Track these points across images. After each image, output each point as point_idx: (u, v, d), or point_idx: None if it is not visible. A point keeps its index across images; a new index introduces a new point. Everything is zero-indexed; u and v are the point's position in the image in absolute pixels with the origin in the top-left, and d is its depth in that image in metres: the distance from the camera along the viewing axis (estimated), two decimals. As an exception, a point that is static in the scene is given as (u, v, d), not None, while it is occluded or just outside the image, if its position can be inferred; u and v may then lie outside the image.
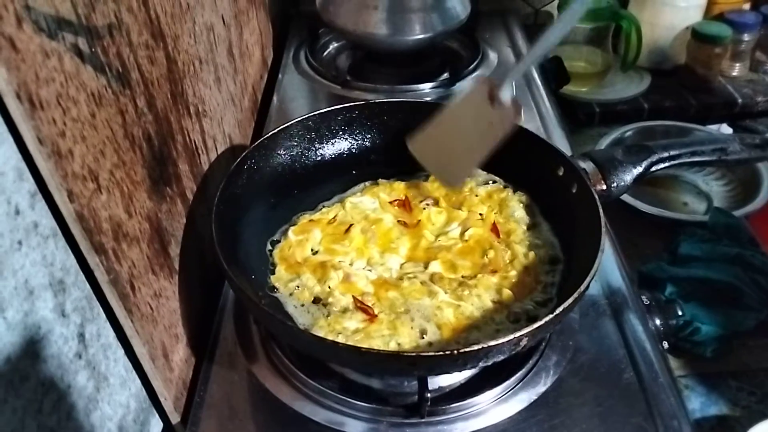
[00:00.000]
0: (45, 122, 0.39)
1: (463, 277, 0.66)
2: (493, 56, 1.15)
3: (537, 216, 0.73)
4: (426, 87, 1.07)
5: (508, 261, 0.68)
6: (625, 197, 1.04)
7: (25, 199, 0.40)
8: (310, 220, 0.72)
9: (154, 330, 0.55)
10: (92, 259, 0.45)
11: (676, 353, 0.88)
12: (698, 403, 0.83)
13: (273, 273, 0.67)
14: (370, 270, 0.67)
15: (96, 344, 0.48)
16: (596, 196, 0.64)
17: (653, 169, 0.70)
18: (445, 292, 0.64)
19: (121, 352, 0.53)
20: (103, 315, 0.50)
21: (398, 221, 0.72)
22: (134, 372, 0.55)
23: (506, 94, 0.69)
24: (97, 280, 0.47)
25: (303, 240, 0.69)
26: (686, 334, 0.85)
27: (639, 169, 0.69)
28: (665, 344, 0.74)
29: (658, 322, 0.74)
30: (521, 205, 0.73)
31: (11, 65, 0.35)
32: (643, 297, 0.75)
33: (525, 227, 0.71)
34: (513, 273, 0.66)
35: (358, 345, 0.56)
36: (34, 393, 0.41)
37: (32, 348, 0.40)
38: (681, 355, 0.88)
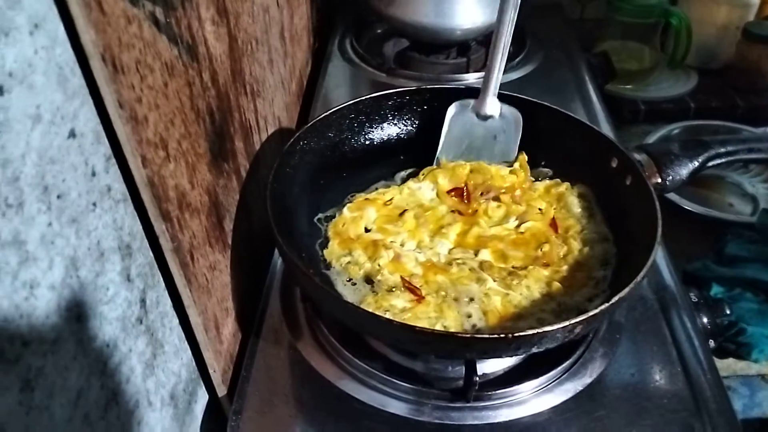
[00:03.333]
0: (125, 86, 0.39)
1: (513, 267, 0.66)
2: (538, 49, 1.14)
3: (593, 207, 0.72)
4: (470, 77, 1.07)
5: (562, 256, 0.67)
6: (670, 195, 1.02)
7: (101, 162, 0.40)
8: (366, 199, 0.72)
9: (208, 302, 0.56)
10: (159, 226, 0.46)
11: (720, 354, 0.86)
12: (741, 405, 0.82)
13: (326, 248, 0.68)
14: (420, 252, 0.67)
15: (155, 311, 0.49)
16: (652, 188, 0.63)
17: (710, 164, 0.69)
18: (494, 280, 0.64)
19: (176, 321, 0.54)
20: (163, 283, 0.51)
21: (452, 211, 0.72)
22: (186, 342, 0.56)
23: (492, 108, 0.77)
24: (159, 248, 0.48)
25: (357, 217, 0.69)
26: (731, 334, 0.83)
27: (695, 164, 0.68)
28: (711, 343, 0.73)
29: (705, 320, 0.73)
30: (578, 200, 0.72)
31: (99, 27, 0.36)
32: (692, 294, 0.74)
33: (583, 222, 0.70)
34: (565, 267, 0.66)
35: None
36: (100, 354, 0.42)
37: (101, 309, 0.41)
38: (725, 356, 0.86)
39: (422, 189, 0.74)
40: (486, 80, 0.76)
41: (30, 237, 0.33)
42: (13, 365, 0.33)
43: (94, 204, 0.40)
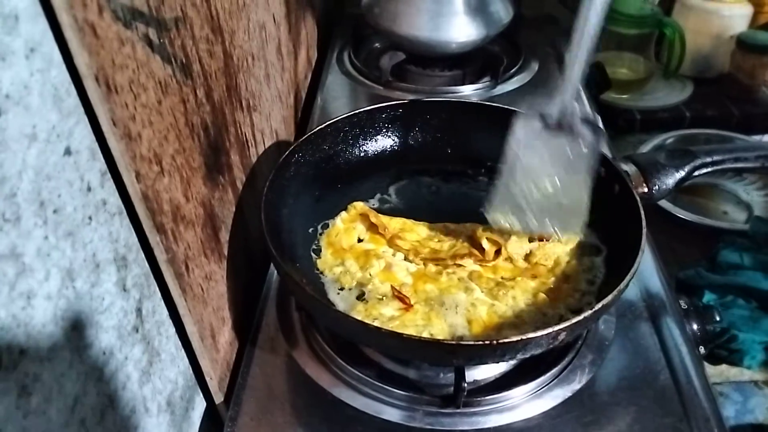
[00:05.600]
0: (119, 105, 0.41)
1: (502, 278, 0.67)
2: (534, 61, 1.16)
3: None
4: (467, 90, 1.09)
5: (550, 268, 0.68)
6: (665, 204, 1.04)
7: (96, 177, 0.42)
8: (360, 214, 0.73)
9: (204, 311, 0.57)
10: (153, 238, 0.47)
11: (713, 361, 0.88)
12: (733, 411, 0.83)
13: (319, 257, 0.70)
14: (410, 262, 0.68)
15: (151, 320, 0.51)
16: (638, 198, 0.65)
17: (696, 173, 0.70)
18: (481, 291, 0.65)
19: (172, 330, 0.55)
20: (159, 293, 0.52)
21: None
22: (183, 350, 0.58)
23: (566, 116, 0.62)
24: (155, 259, 0.50)
25: (350, 228, 0.71)
26: (723, 341, 0.85)
27: (681, 173, 0.70)
28: (702, 349, 0.74)
29: (695, 326, 0.74)
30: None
31: (92, 50, 0.38)
32: (681, 301, 0.75)
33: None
34: (552, 279, 0.67)
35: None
36: (96, 361, 0.43)
37: (97, 318, 0.43)
38: (717, 362, 0.88)
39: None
40: (563, 87, 0.63)
41: (27, 250, 0.35)
42: (11, 372, 0.34)
43: (90, 218, 0.42)
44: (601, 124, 1.00)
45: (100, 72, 0.39)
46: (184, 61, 0.52)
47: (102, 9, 0.39)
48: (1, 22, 0.33)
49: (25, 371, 0.35)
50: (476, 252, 0.68)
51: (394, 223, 0.72)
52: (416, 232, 0.71)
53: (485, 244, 0.68)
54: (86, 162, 0.41)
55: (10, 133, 0.34)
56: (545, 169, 0.65)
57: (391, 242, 0.70)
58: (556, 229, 0.66)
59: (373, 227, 0.71)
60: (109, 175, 0.44)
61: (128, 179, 0.44)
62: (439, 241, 0.71)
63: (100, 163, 0.43)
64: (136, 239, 0.48)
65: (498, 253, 0.69)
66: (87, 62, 0.38)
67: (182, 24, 0.51)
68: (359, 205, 0.74)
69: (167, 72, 0.49)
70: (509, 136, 0.65)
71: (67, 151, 0.39)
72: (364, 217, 0.72)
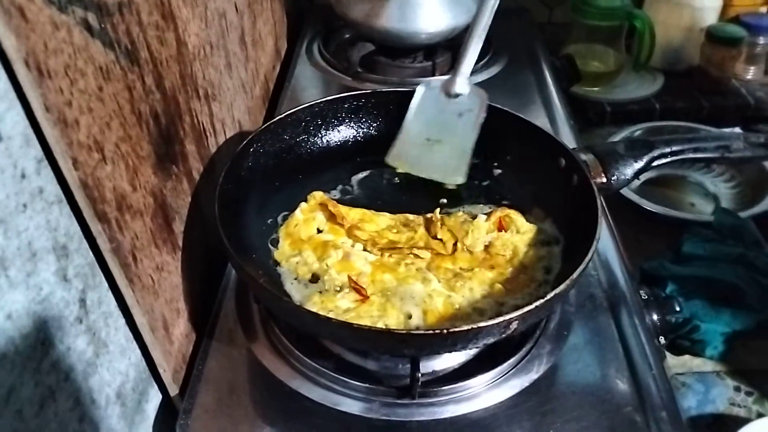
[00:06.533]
0: (52, 91, 0.40)
1: (460, 268, 0.67)
2: (504, 53, 1.16)
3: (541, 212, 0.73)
4: (435, 81, 1.08)
5: (508, 258, 0.68)
6: (631, 195, 1.04)
7: (32, 164, 0.41)
8: (320, 204, 0.73)
9: (154, 302, 0.57)
10: (95, 227, 0.47)
11: (676, 351, 0.88)
12: (695, 401, 0.83)
13: (276, 249, 0.69)
14: (369, 252, 0.68)
15: (97, 311, 0.50)
16: (595, 188, 0.65)
17: (655, 163, 0.71)
18: (439, 281, 0.65)
19: (122, 321, 0.54)
20: (105, 284, 0.51)
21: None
22: (135, 342, 0.57)
23: (462, 87, 0.79)
24: (99, 249, 0.49)
25: (309, 219, 0.70)
26: (685, 331, 0.85)
27: (640, 164, 0.70)
28: (662, 340, 0.74)
29: (655, 317, 0.75)
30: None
31: (21, 33, 0.37)
32: (642, 292, 0.75)
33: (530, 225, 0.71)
34: (510, 270, 0.67)
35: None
36: (33, 351, 0.42)
37: (33, 308, 0.42)
38: (680, 353, 0.88)
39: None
40: (459, 59, 0.79)
41: (-49, 237, 0.34)
42: (-67, 361, 0.33)
43: (25, 205, 0.41)
44: (566, 117, 1.01)
45: (30, 56, 0.38)
46: (129, 47, 0.51)
47: (32, -9, 0.38)
48: None
49: (-51, 361, 0.35)
50: (433, 245, 0.68)
51: (353, 214, 0.71)
52: (375, 222, 0.71)
53: (441, 235, 0.68)
54: (19, 148, 0.40)
55: (-71, 117, 0.33)
56: (437, 126, 0.80)
57: (349, 233, 0.70)
58: (440, 173, 0.78)
59: (332, 218, 0.71)
60: (46, 163, 0.43)
61: (65, 166, 0.43)
62: (397, 232, 0.71)
63: (36, 150, 0.42)
64: (78, 228, 0.47)
65: (455, 246, 0.68)
66: (15, 45, 0.37)
67: (126, 9, 0.50)
68: (319, 195, 0.73)
69: (109, 58, 0.48)
70: (412, 99, 0.81)
71: (-3, 137, 0.38)
72: (323, 206, 0.72)
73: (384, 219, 0.72)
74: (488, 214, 0.72)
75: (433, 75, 1.10)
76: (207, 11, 0.71)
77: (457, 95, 0.80)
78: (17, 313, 0.40)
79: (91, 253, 0.49)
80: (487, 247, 0.68)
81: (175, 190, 0.62)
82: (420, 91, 0.81)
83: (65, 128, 0.42)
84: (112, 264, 0.49)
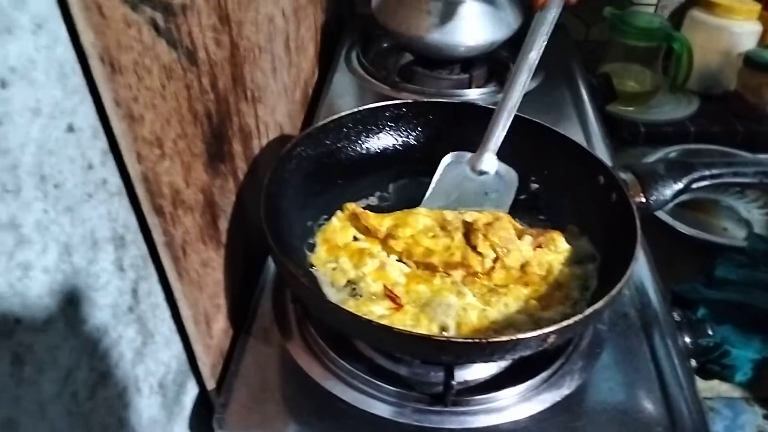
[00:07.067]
0: (122, 86, 0.42)
1: (495, 285, 0.68)
2: (540, 69, 1.16)
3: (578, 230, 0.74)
4: (473, 93, 1.09)
5: (543, 275, 0.69)
6: (665, 218, 1.04)
7: (98, 156, 0.43)
8: (352, 214, 0.73)
9: (199, 296, 0.58)
10: (152, 220, 0.48)
11: (705, 375, 0.88)
12: (723, 427, 0.83)
13: (313, 252, 0.70)
14: (404, 263, 0.69)
15: (146, 301, 0.52)
16: (634, 207, 0.65)
17: (694, 186, 0.71)
18: (474, 295, 0.65)
19: (168, 313, 0.56)
20: (155, 275, 0.53)
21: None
22: (177, 335, 0.58)
23: (488, 165, 0.75)
24: (153, 241, 0.51)
25: (346, 226, 0.71)
26: (716, 356, 0.85)
27: (679, 185, 0.70)
28: (693, 362, 0.74)
29: (687, 339, 0.74)
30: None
31: (98, 29, 0.39)
32: (675, 314, 0.75)
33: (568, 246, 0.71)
34: (545, 287, 0.67)
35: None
36: (90, 336, 0.44)
37: (92, 295, 0.44)
38: (709, 377, 0.88)
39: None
40: (487, 135, 0.75)
41: (26, 221, 0.36)
42: (5, 340, 0.35)
43: (90, 195, 0.42)
44: (602, 135, 1.01)
45: (105, 52, 0.40)
46: (189, 47, 0.52)
47: (110, -10, 0.40)
48: (10, -3, 0.34)
49: (19, 340, 0.36)
50: (470, 260, 0.68)
51: (386, 221, 0.72)
52: (411, 225, 0.71)
53: (482, 248, 0.68)
54: (88, 140, 0.42)
55: (14, 106, 0.34)
56: (462, 203, 0.76)
57: (384, 243, 0.70)
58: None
59: (366, 228, 0.72)
60: (110, 155, 0.44)
61: (129, 159, 0.44)
62: (434, 236, 0.70)
63: (102, 142, 0.43)
64: (134, 220, 0.48)
65: (494, 261, 0.68)
66: (92, 41, 0.38)
67: (189, 11, 0.52)
68: (351, 206, 0.74)
69: (172, 57, 0.49)
70: (438, 170, 0.78)
71: (70, 128, 0.39)
72: (355, 217, 0.72)
73: (420, 218, 0.72)
74: (533, 236, 0.71)
75: (470, 87, 1.11)
76: (258, 15, 0.73)
77: (483, 173, 0.76)
78: (77, 299, 0.42)
79: (144, 245, 0.50)
80: (523, 266, 0.69)
81: (222, 189, 0.63)
82: (446, 161, 0.78)
83: (132, 123, 0.43)
84: (165, 257, 0.51)
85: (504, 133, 0.75)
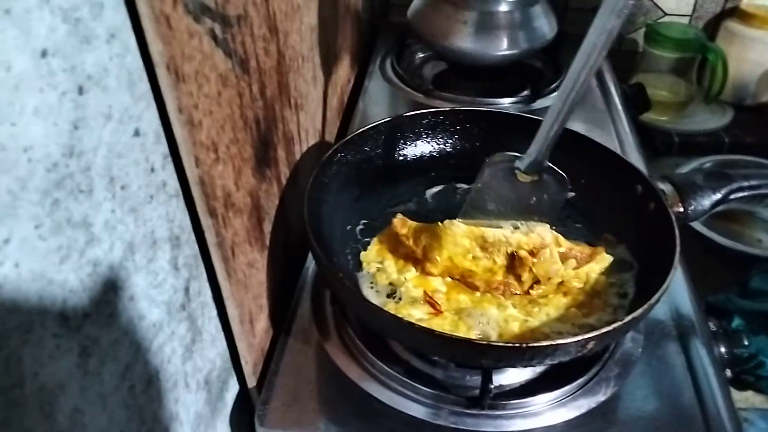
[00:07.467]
0: (185, 93, 0.44)
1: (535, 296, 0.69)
2: (575, 78, 1.17)
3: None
4: (506, 102, 1.10)
5: (581, 285, 0.69)
6: (699, 228, 1.04)
7: (159, 159, 0.45)
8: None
9: (245, 296, 0.60)
10: (206, 221, 0.50)
11: (739, 386, 0.87)
12: (757, 438, 0.83)
13: (361, 252, 0.73)
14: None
15: (197, 300, 0.54)
16: (673, 217, 0.66)
17: (732, 197, 0.71)
18: (514, 307, 0.66)
19: (215, 312, 0.58)
20: (205, 275, 0.55)
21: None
22: (222, 333, 0.60)
23: (534, 170, 0.68)
24: (204, 242, 0.53)
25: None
26: (751, 367, 0.84)
27: (718, 196, 0.70)
28: (728, 372, 0.74)
29: (723, 349, 0.75)
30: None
31: (166, 40, 0.41)
32: (710, 324, 0.75)
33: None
34: (583, 296, 0.68)
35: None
36: (147, 332, 0.46)
37: (150, 292, 0.46)
38: (744, 388, 0.87)
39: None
40: (537, 140, 0.66)
41: (96, 221, 0.38)
42: (75, 332, 0.37)
43: (151, 197, 0.44)
44: (636, 145, 1.01)
45: (171, 61, 0.42)
46: (243, 56, 0.54)
47: (176, 2, 0.42)
48: (89, 9, 0.36)
49: (86, 333, 0.38)
50: (512, 280, 0.68)
51: (422, 239, 0.70)
52: (447, 246, 0.68)
53: (526, 279, 0.68)
54: (152, 144, 0.44)
55: (89, 111, 0.36)
56: (506, 209, 0.71)
57: (422, 268, 0.69)
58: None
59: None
60: (170, 159, 0.46)
61: (188, 163, 0.46)
62: (474, 257, 0.68)
63: (164, 146, 0.45)
64: (189, 221, 0.50)
65: (537, 283, 0.68)
66: (160, 51, 0.41)
67: (243, 22, 0.54)
68: (397, 223, 0.72)
69: (228, 66, 0.51)
70: (479, 173, 0.72)
71: (136, 133, 0.42)
72: (393, 236, 0.72)
73: (458, 238, 0.69)
74: (577, 260, 0.70)
75: (503, 96, 1.12)
76: (302, 26, 0.75)
77: (529, 179, 0.69)
78: (137, 296, 0.44)
79: (197, 245, 0.52)
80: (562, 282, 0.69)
81: (267, 193, 0.65)
82: (489, 165, 0.71)
83: (192, 128, 0.45)
84: (216, 257, 0.53)
85: (556, 137, 0.65)
